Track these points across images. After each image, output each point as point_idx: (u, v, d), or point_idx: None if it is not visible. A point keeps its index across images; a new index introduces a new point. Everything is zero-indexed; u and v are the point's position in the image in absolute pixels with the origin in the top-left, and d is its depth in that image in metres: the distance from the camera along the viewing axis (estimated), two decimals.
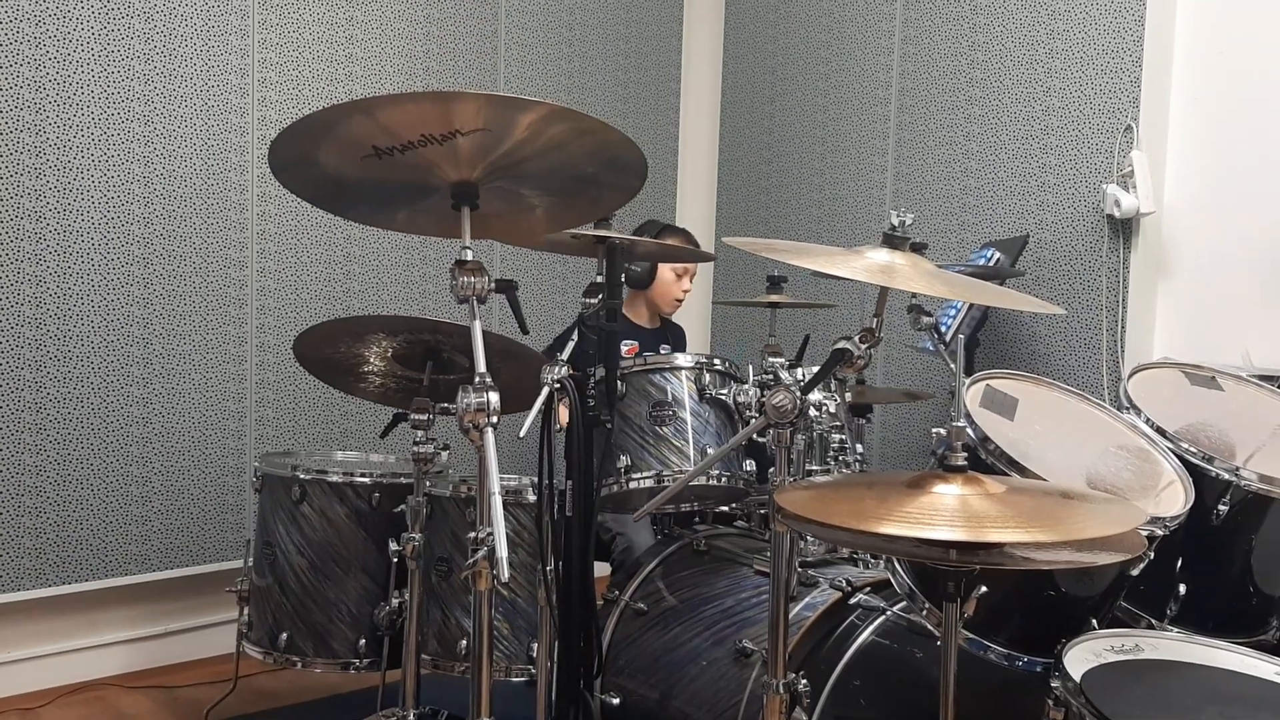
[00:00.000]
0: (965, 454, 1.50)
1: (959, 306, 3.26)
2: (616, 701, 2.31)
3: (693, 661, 2.31)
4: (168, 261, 3.22)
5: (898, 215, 1.66)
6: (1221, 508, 2.04)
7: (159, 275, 3.21)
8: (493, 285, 1.69)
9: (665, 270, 3.35)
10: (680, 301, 3.48)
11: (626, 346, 3.31)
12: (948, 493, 1.45)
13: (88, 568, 3.12)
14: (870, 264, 1.63)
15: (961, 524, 1.36)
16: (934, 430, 1.76)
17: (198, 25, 3.24)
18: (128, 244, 3.15)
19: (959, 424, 1.51)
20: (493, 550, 1.53)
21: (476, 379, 1.59)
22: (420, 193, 1.73)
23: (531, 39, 4.05)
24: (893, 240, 1.65)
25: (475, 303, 1.65)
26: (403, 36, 3.69)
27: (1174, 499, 1.93)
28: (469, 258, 1.67)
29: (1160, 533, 1.80)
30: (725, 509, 2.79)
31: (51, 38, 2.98)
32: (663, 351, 3.36)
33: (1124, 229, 3.34)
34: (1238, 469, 2.04)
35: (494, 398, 1.58)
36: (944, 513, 1.39)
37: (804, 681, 1.87)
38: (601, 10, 4.28)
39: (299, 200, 1.81)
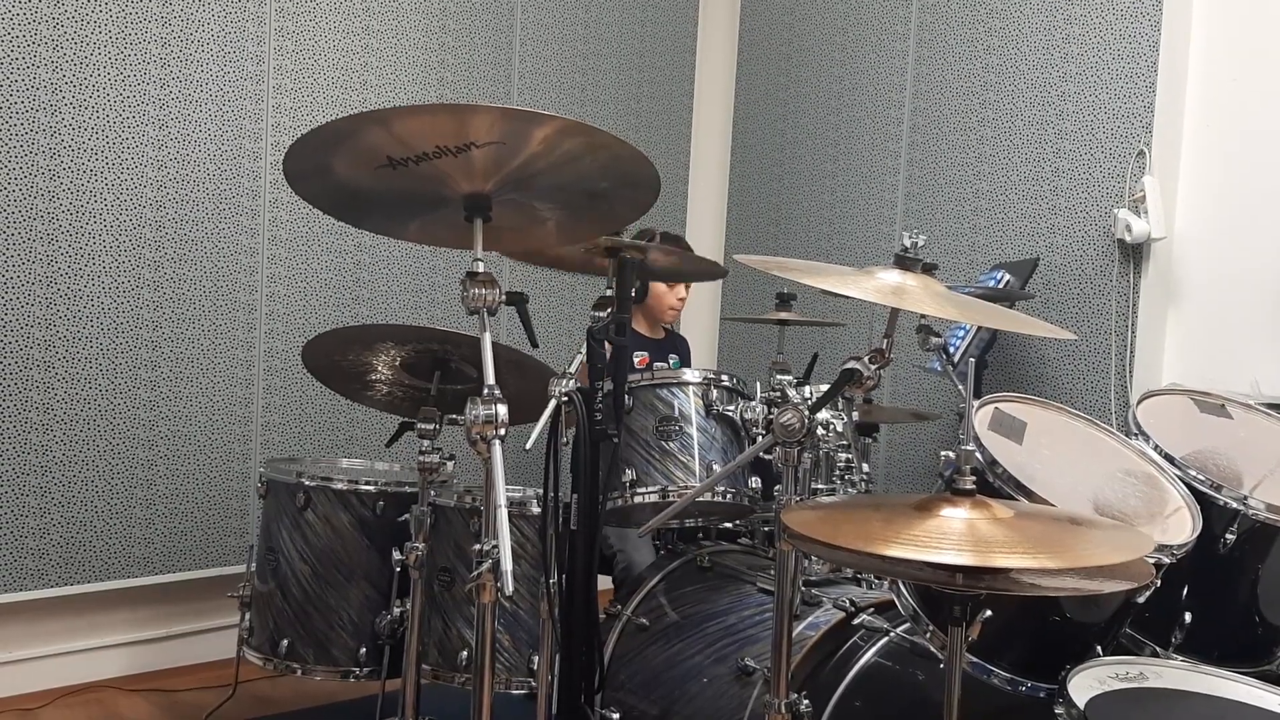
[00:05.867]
0: (974, 477, 1.49)
1: (968, 328, 3.26)
2: (616, 717, 2.30)
3: (694, 678, 2.30)
4: (179, 266, 3.23)
5: (910, 236, 1.66)
6: (1229, 536, 2.03)
7: (169, 279, 3.22)
8: (503, 298, 1.69)
9: (655, 283, 3.34)
10: (677, 310, 3.46)
11: (638, 358, 3.31)
12: (955, 516, 1.45)
13: (90, 569, 3.12)
14: (881, 285, 1.63)
15: (969, 548, 1.35)
16: (942, 453, 1.76)
17: (214, 32, 3.25)
18: (139, 247, 3.16)
19: (968, 447, 1.51)
20: (497, 563, 1.52)
21: (485, 391, 1.59)
22: (433, 204, 1.73)
23: (546, 52, 4.07)
24: (905, 261, 1.65)
25: (485, 314, 1.65)
26: (418, 48, 3.71)
27: (1181, 526, 1.92)
28: (480, 269, 1.67)
29: (1167, 561, 1.79)
30: (729, 525, 2.79)
31: (69, 40, 3.00)
32: (670, 362, 3.35)
33: (1135, 254, 3.34)
34: (1245, 497, 2.03)
35: (502, 410, 1.58)
36: (951, 536, 1.39)
37: (806, 701, 1.86)
38: (616, 25, 4.30)
39: (310, 208, 1.81)
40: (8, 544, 2.97)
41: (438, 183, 1.66)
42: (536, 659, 2.32)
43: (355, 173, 1.66)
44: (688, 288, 3.44)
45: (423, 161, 1.59)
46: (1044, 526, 1.49)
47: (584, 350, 2.10)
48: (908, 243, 1.66)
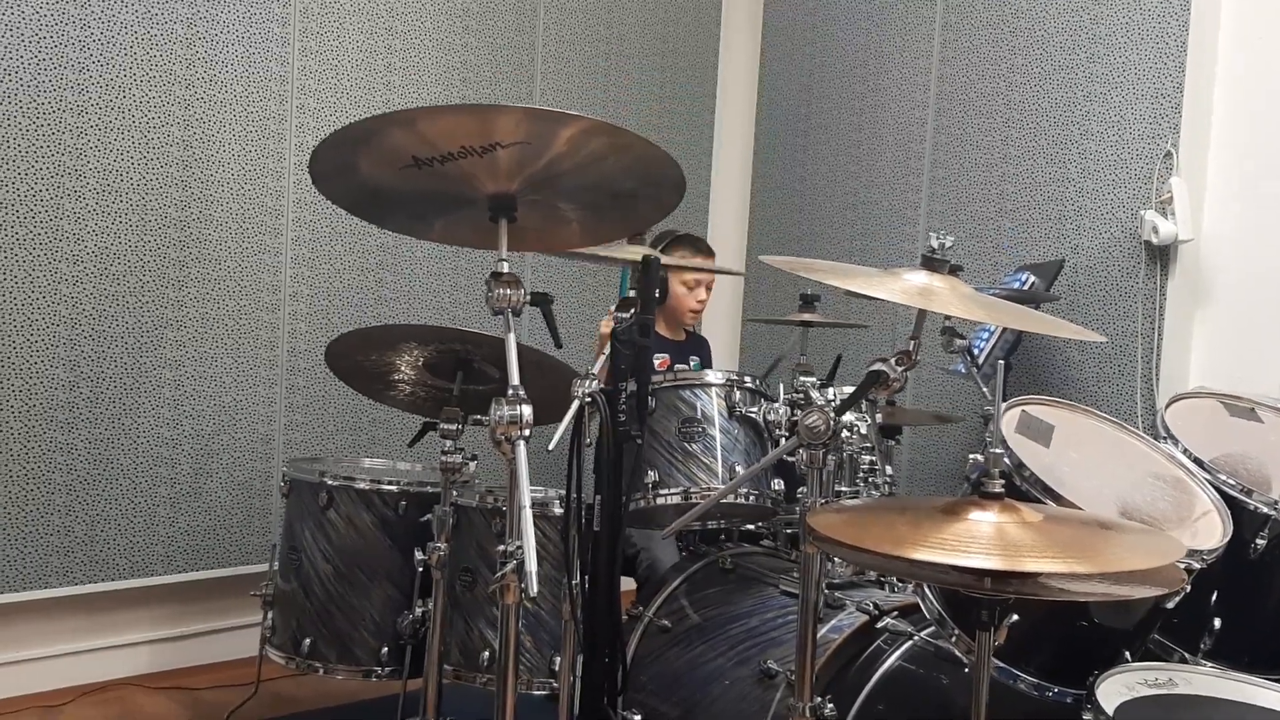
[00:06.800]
0: (1002, 481, 1.48)
1: (992, 330, 3.24)
2: (638, 718, 2.30)
3: (716, 681, 2.29)
4: (202, 265, 3.25)
5: (937, 237, 1.65)
6: (1259, 541, 2.01)
7: (194, 278, 3.23)
8: (528, 298, 1.69)
9: (675, 285, 3.33)
10: (698, 312, 3.45)
11: (659, 359, 3.30)
12: (984, 520, 1.43)
13: (114, 567, 3.14)
14: (909, 286, 1.61)
15: (998, 552, 1.34)
16: (971, 456, 1.74)
17: (239, 33, 3.27)
18: (164, 246, 3.17)
19: (996, 450, 1.49)
20: (522, 563, 1.52)
21: (510, 391, 1.59)
22: (458, 204, 1.73)
23: (569, 53, 4.07)
24: (932, 262, 1.64)
25: (510, 315, 1.65)
26: (440, 48, 3.72)
27: (1211, 531, 1.90)
28: (505, 270, 1.66)
29: (1197, 566, 1.77)
30: (751, 527, 2.77)
31: (95, 40, 3.01)
32: (691, 364, 3.34)
33: (1161, 256, 3.31)
34: (1276, 502, 2.01)
35: (527, 411, 1.58)
36: (980, 540, 1.38)
37: (830, 705, 1.85)
38: (639, 25, 4.29)
39: (333, 208, 1.81)
40: (33, 541, 2.99)
41: (463, 183, 1.65)
42: (558, 660, 2.32)
43: (380, 172, 1.66)
44: (708, 290, 3.43)
45: (448, 161, 1.59)
46: (1074, 531, 1.48)
47: (607, 350, 2.09)
48: (935, 244, 1.65)
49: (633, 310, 2.08)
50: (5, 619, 3.04)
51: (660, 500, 2.27)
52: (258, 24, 3.30)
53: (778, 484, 2.36)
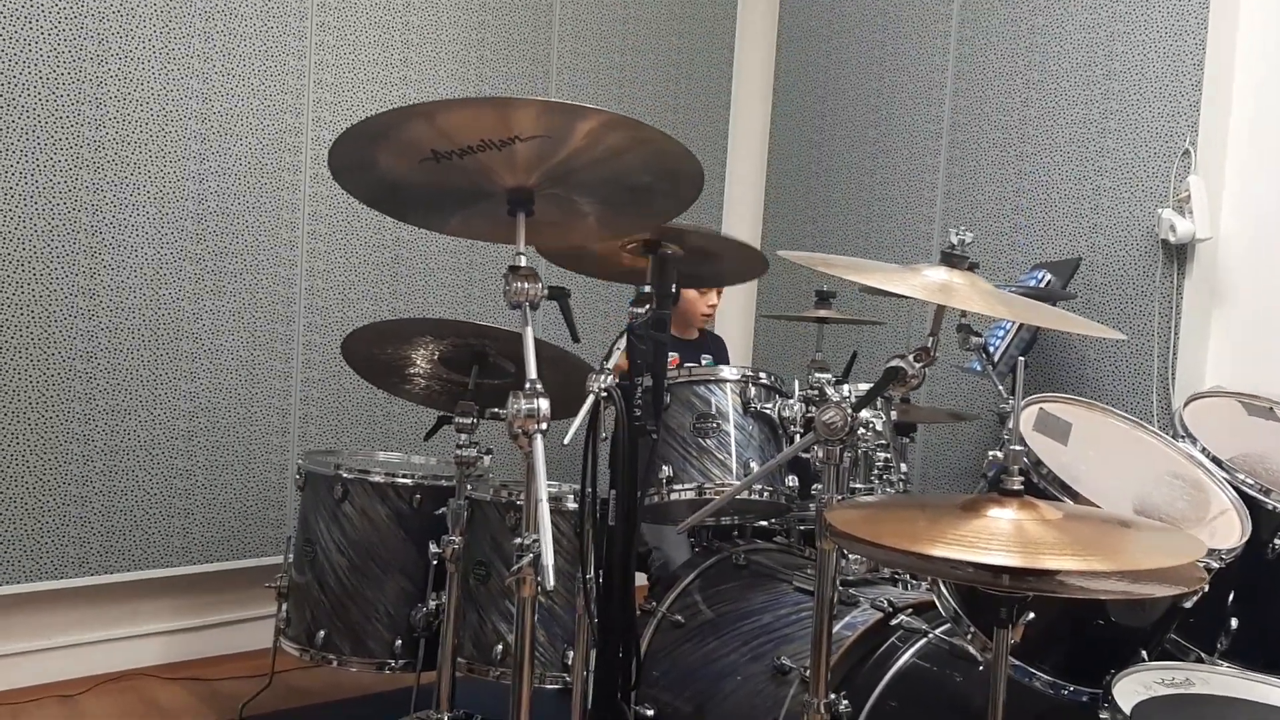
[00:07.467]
0: (1021, 478, 1.47)
1: (1007, 327, 3.23)
2: (651, 713, 2.30)
3: (729, 676, 2.29)
4: (219, 259, 3.26)
5: (957, 233, 1.64)
6: (1277, 541, 2.00)
7: (210, 271, 3.24)
8: (545, 291, 1.69)
9: (686, 290, 3.32)
10: (709, 315, 3.45)
11: (669, 358, 3.29)
12: (1003, 517, 1.43)
13: (130, 558, 3.15)
14: (929, 282, 1.61)
15: (1017, 549, 1.34)
16: (990, 453, 1.73)
17: (256, 28, 3.27)
18: (181, 239, 3.19)
19: (1016, 447, 1.49)
20: (538, 557, 1.52)
21: (527, 385, 1.59)
22: (476, 198, 1.73)
23: (584, 48, 4.06)
24: (952, 258, 1.63)
25: (528, 309, 1.65)
26: (457, 42, 3.72)
27: (1229, 530, 1.89)
28: (523, 264, 1.66)
29: (1215, 565, 1.76)
30: (765, 524, 2.77)
31: (114, 34, 3.02)
32: (703, 362, 3.33)
33: (1179, 254, 3.29)
34: None
35: (544, 405, 1.58)
36: (999, 537, 1.37)
37: (845, 702, 1.85)
38: (654, 21, 4.29)
39: (350, 202, 1.82)
40: (50, 532, 3.01)
41: (481, 177, 1.66)
42: (571, 654, 2.32)
43: (399, 166, 1.66)
44: (719, 294, 3.44)
45: (467, 155, 1.59)
46: (1093, 529, 1.47)
47: (622, 345, 2.09)
48: (955, 240, 1.64)
49: (648, 306, 2.08)
50: (23, 609, 3.06)
51: (675, 496, 2.27)
52: (275, 17, 3.31)
53: (792, 480, 2.36)
